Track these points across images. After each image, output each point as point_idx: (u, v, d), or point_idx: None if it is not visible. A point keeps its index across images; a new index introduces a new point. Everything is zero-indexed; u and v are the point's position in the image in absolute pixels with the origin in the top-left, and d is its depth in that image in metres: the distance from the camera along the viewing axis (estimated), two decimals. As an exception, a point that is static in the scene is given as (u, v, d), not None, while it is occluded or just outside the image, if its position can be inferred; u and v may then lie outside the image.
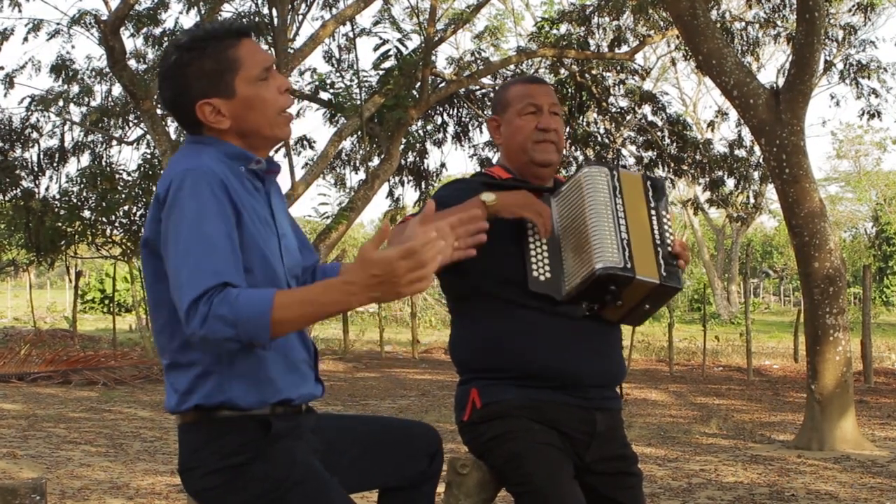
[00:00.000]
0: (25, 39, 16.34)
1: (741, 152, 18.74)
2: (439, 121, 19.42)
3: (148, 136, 17.69)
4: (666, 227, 3.06)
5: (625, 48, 17.47)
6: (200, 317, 2.23)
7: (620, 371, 3.16)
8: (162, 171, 15.84)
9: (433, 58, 16.04)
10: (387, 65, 16.25)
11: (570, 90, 18.32)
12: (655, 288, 2.97)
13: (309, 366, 2.61)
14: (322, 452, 2.60)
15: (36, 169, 18.78)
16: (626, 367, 3.23)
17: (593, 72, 18.32)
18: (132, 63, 16.23)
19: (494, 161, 3.40)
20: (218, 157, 2.47)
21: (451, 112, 19.31)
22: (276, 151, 19.38)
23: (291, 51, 15.24)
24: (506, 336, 3.02)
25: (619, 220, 2.97)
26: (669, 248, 3.02)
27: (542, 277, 3.01)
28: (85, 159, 19.13)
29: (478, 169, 18.75)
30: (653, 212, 3.06)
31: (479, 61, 18.08)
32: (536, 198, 3.07)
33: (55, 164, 18.82)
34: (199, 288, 2.25)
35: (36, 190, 18.83)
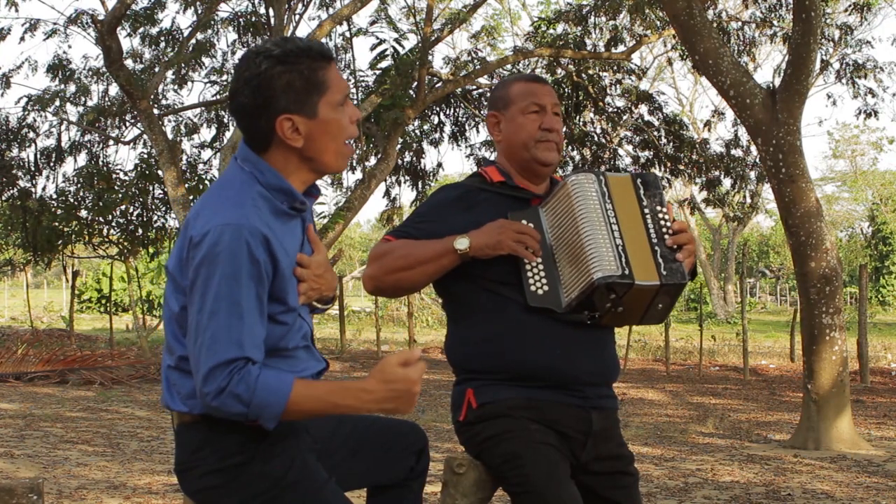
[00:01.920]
0: (22, 39, 16.33)
1: (738, 152, 18.75)
2: (436, 120, 19.41)
3: (144, 136, 17.69)
4: (662, 222, 3.03)
5: (621, 48, 17.47)
6: (217, 388, 2.30)
7: (614, 368, 3.16)
8: (159, 172, 15.89)
9: (430, 58, 16.04)
10: (383, 64, 16.26)
11: (566, 90, 18.33)
12: (659, 289, 2.97)
13: (313, 378, 2.63)
14: (318, 451, 2.63)
15: (33, 168, 18.76)
16: (620, 365, 3.23)
17: (590, 71, 18.33)
18: (129, 63, 16.21)
19: (492, 159, 3.39)
20: (261, 198, 2.45)
21: (447, 112, 19.30)
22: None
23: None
24: (500, 336, 3.02)
25: (612, 226, 2.96)
26: (668, 244, 3.01)
27: (539, 291, 3.00)
28: (82, 159, 19.11)
29: (474, 169, 18.76)
30: (646, 210, 3.04)
31: (475, 61, 18.07)
32: (515, 219, 3.04)
33: (52, 164, 18.79)
34: (221, 356, 2.31)
35: (33, 190, 18.82)
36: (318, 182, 2.63)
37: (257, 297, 2.37)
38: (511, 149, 3.18)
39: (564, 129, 18.33)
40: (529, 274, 3.02)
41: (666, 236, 3.02)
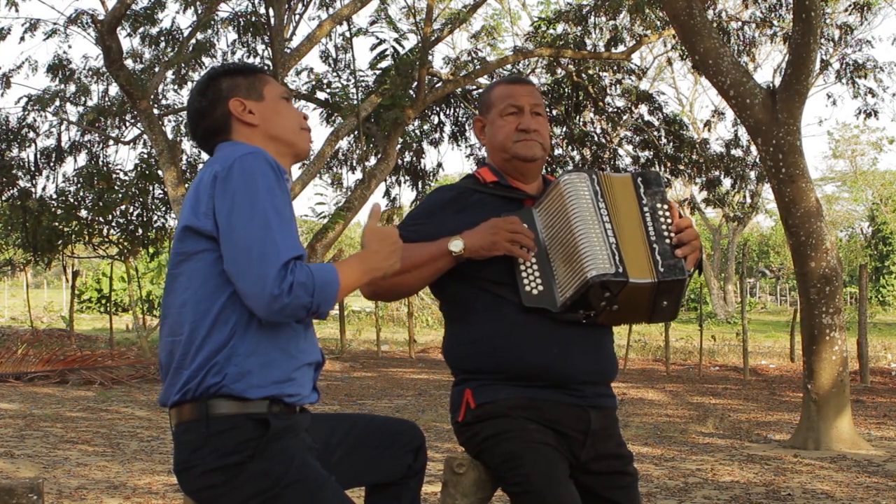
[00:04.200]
0: (22, 39, 16.36)
1: (737, 152, 18.76)
2: (436, 120, 19.43)
3: (144, 136, 17.69)
4: (662, 220, 3.02)
5: (621, 48, 17.48)
6: (287, 285, 2.40)
7: (612, 367, 3.15)
8: (159, 171, 15.88)
9: (430, 57, 16.05)
10: (383, 64, 16.26)
11: (566, 90, 18.34)
12: (656, 286, 2.96)
13: (312, 371, 2.66)
14: (318, 451, 2.64)
15: (33, 169, 18.77)
16: (618, 364, 3.23)
17: (590, 71, 18.34)
18: (129, 63, 16.22)
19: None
20: None
21: (447, 112, 19.32)
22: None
23: (288, 50, 15.23)
24: (496, 336, 3.02)
25: (606, 225, 2.96)
26: (668, 241, 3.00)
27: (534, 292, 3.01)
28: (82, 159, 19.13)
29: (475, 168, 18.71)
30: (645, 208, 3.03)
31: (475, 61, 18.09)
32: (510, 217, 3.04)
33: (52, 164, 18.80)
34: (284, 256, 2.42)
35: (33, 190, 18.82)
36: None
37: (292, 212, 2.53)
38: (493, 151, 3.20)
39: (565, 130, 18.38)
40: (524, 274, 3.02)
41: (666, 233, 3.01)
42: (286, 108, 2.75)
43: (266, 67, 3.10)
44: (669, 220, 3.03)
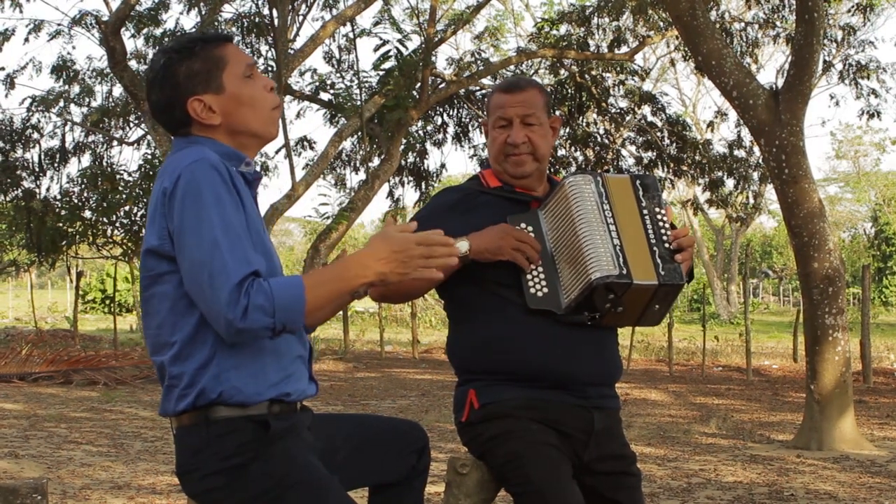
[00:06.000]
0: (26, 40, 16.35)
1: (740, 153, 18.76)
2: (439, 121, 19.43)
3: (148, 137, 17.71)
4: (661, 224, 3.04)
5: (624, 49, 17.49)
6: (241, 309, 2.28)
7: (616, 369, 3.16)
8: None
9: (433, 58, 16.06)
10: (387, 65, 16.27)
11: (569, 91, 18.34)
12: (657, 289, 2.97)
13: (304, 363, 2.63)
14: (320, 450, 2.63)
15: (37, 169, 18.81)
16: (622, 365, 3.24)
17: (593, 72, 18.34)
18: (133, 64, 16.24)
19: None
20: (216, 153, 2.50)
21: (451, 113, 19.32)
22: (276, 153, 19.45)
23: (292, 51, 15.26)
24: (501, 337, 3.03)
25: (610, 227, 2.97)
26: (667, 245, 3.01)
27: (539, 294, 3.02)
28: (86, 160, 19.19)
29: (478, 170, 18.71)
30: (644, 211, 3.04)
31: (479, 62, 18.10)
32: (515, 222, 3.05)
33: (56, 165, 18.84)
34: (235, 277, 2.30)
35: (37, 190, 18.86)
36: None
37: (244, 224, 2.40)
38: (490, 160, 3.22)
39: (568, 130, 18.38)
40: (529, 276, 3.03)
41: (664, 237, 3.03)
42: (250, 92, 2.56)
43: (225, 34, 2.76)
44: (667, 225, 3.05)
